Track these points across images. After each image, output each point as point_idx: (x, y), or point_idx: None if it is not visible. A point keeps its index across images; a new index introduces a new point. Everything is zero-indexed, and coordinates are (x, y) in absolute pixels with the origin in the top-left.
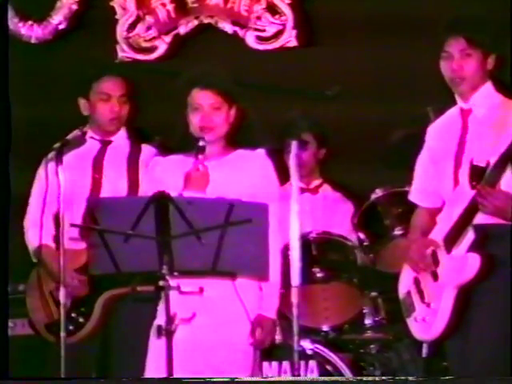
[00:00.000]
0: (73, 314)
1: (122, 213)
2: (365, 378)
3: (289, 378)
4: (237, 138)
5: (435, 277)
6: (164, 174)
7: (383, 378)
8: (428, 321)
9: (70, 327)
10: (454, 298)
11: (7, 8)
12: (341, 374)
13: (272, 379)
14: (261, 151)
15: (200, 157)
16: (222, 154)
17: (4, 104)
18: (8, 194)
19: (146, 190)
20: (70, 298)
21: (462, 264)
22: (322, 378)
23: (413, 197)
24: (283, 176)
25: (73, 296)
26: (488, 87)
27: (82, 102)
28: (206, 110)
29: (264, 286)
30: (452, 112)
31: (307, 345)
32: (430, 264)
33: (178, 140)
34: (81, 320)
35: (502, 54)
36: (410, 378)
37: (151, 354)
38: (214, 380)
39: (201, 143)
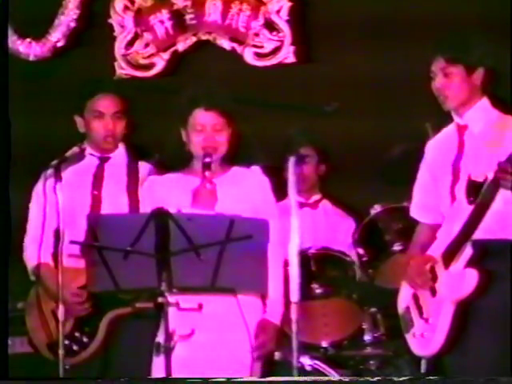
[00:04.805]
0: (76, 334)
1: (122, 229)
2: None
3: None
4: (233, 156)
5: (434, 292)
6: (163, 192)
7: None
8: (426, 336)
9: (74, 347)
10: (452, 313)
11: (7, 27)
12: None
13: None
14: (256, 168)
15: (207, 174)
16: (220, 172)
17: (4, 122)
18: (8, 210)
19: (146, 209)
20: (72, 317)
21: (459, 279)
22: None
23: (413, 213)
24: (282, 191)
25: (75, 315)
26: (484, 103)
27: (77, 119)
28: (209, 130)
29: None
30: (449, 128)
31: (306, 361)
32: (427, 280)
33: (175, 158)
34: (85, 340)
35: (492, 67)
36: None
37: (153, 372)
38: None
39: (206, 160)
